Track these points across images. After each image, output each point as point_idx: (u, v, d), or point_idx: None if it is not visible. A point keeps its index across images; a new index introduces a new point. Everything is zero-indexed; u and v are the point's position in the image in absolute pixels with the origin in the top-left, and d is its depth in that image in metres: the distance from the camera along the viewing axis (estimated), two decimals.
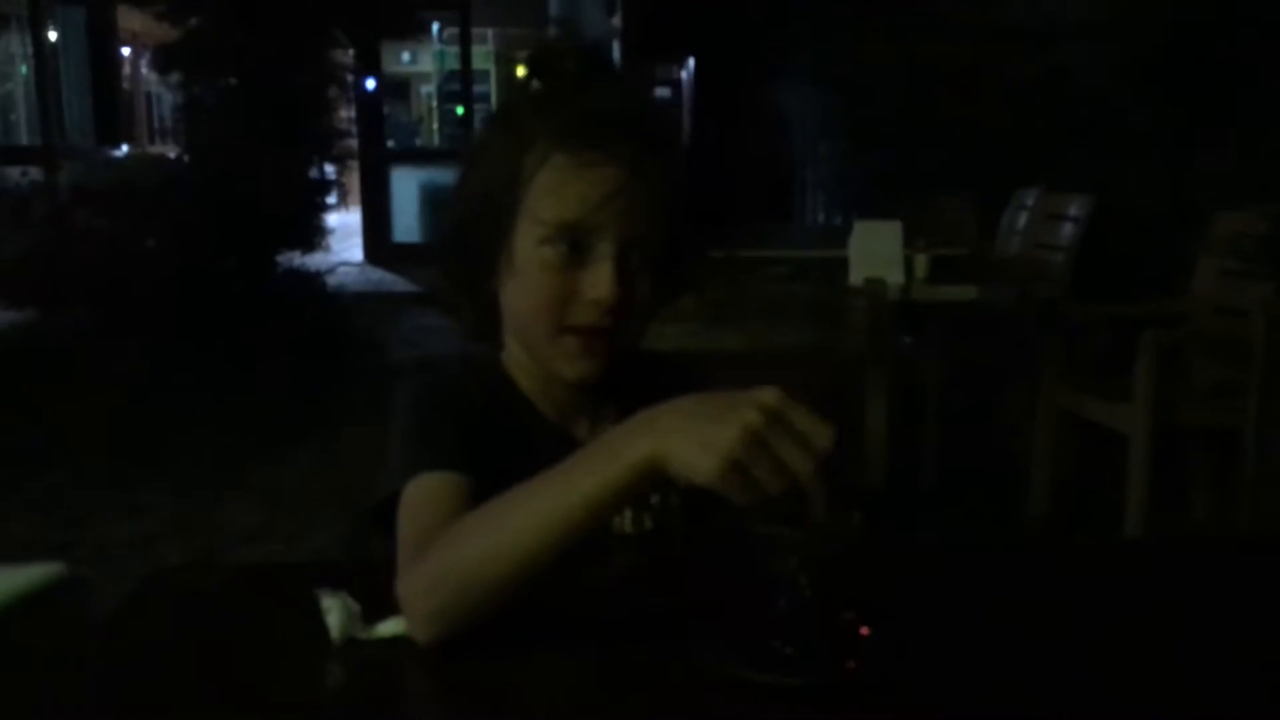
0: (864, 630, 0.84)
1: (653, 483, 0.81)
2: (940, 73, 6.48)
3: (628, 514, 1.11)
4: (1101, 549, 1.26)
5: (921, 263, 3.10)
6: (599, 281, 0.99)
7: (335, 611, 0.88)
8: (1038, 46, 5.63)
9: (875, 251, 3.08)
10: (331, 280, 7.67)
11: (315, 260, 7.50)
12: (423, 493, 0.98)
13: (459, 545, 0.87)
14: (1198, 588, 1.04)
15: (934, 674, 0.86)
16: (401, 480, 0.99)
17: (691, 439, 0.78)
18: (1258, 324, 1.29)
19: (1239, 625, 0.96)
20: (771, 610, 0.83)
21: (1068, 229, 4.08)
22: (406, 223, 10.30)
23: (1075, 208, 4.09)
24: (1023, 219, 4.54)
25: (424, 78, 15.72)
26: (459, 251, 1.07)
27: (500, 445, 1.02)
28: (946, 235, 5.15)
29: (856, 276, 3.11)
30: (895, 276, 3.08)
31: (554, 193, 0.99)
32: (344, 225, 11.03)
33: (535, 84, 1.05)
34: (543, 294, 1.01)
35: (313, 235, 7.19)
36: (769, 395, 0.78)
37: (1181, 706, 0.83)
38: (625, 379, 1.07)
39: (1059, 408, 3.43)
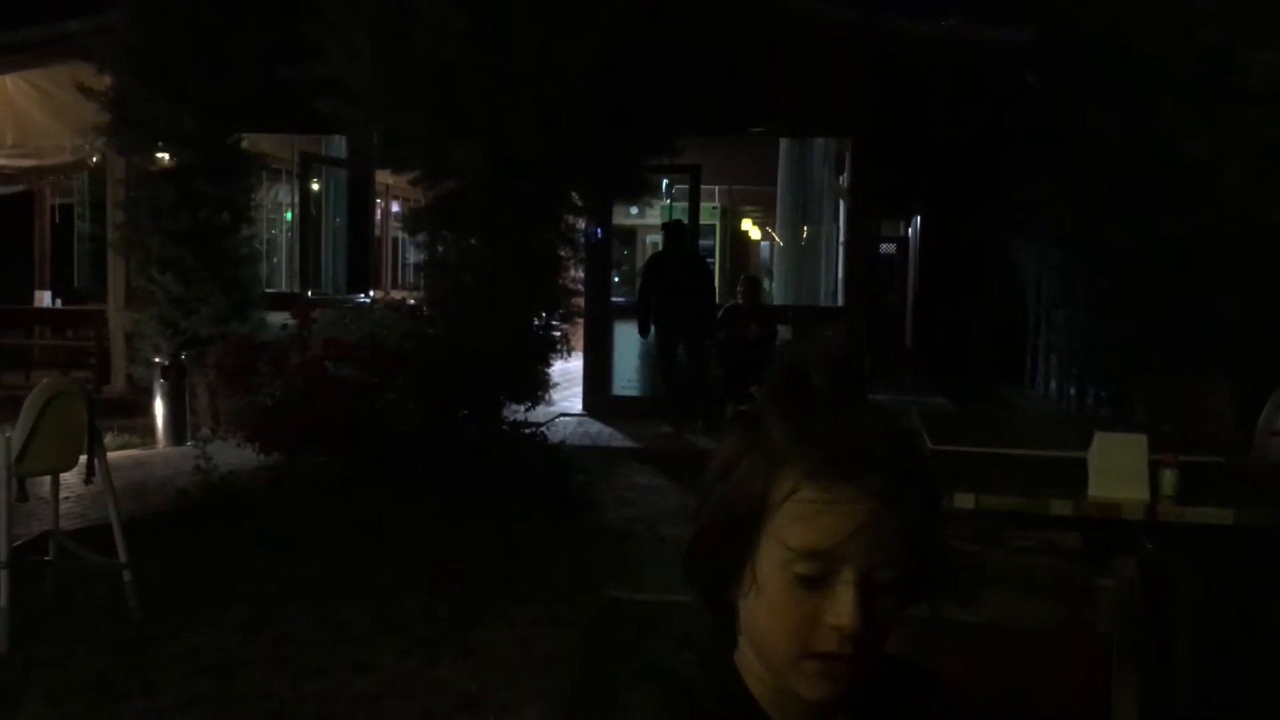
0: None
1: None
2: (1201, 245, 6.23)
3: None
4: None
5: (1169, 479, 2.92)
6: (841, 610, 0.98)
7: None
8: None
9: (1117, 465, 2.93)
10: (551, 432, 7.90)
11: (537, 410, 7.76)
12: None
13: None
14: None
15: None
16: None
17: None
18: None
19: None
20: None
21: None
22: (626, 375, 10.53)
23: None
24: None
25: (651, 228, 16.26)
26: (704, 558, 1.07)
27: None
28: (1198, 423, 4.85)
29: (1096, 490, 2.96)
30: (1139, 494, 2.91)
31: (801, 522, 0.99)
32: (565, 373, 11.38)
33: (787, 405, 1.05)
34: (784, 616, 1.01)
35: (537, 390, 7.45)
36: None
37: None
38: (858, 686, 1.05)
39: None
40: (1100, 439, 2.99)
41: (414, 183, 7.64)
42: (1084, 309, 8.32)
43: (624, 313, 11.07)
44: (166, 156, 8.59)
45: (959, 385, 10.92)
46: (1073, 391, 9.51)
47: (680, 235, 9.64)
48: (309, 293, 9.91)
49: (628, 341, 10.52)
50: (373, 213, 12.34)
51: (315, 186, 10.98)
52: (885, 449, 1.02)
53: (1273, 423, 4.27)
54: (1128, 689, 1.33)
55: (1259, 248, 5.69)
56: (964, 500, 2.86)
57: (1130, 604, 1.36)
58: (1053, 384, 10.52)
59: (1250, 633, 3.77)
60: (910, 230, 15.49)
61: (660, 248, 10.11)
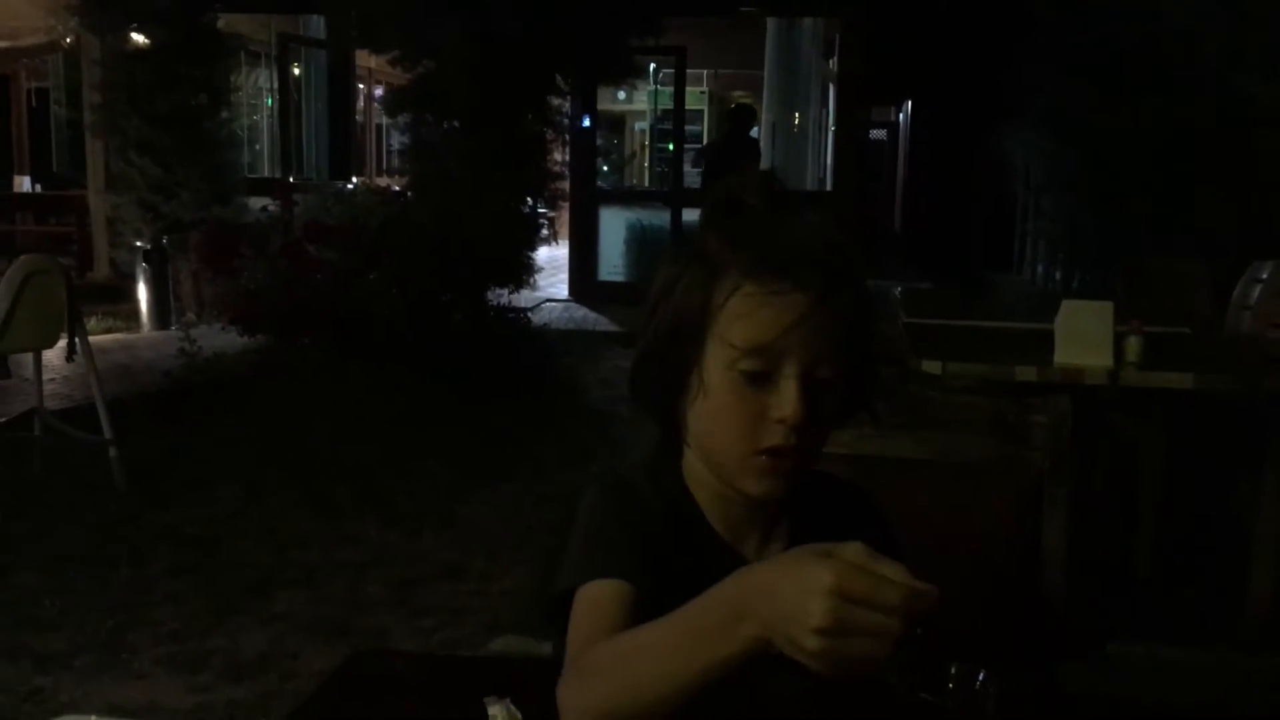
0: None
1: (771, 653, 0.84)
2: (1184, 133, 6.20)
3: None
4: None
5: (1134, 345, 2.95)
6: (785, 402, 1.03)
7: None
8: None
9: (1083, 332, 2.96)
10: (536, 317, 7.91)
11: (522, 296, 7.76)
12: (590, 599, 1.03)
13: (604, 676, 0.92)
14: None
15: None
16: (573, 580, 1.05)
17: (789, 628, 0.80)
18: None
19: None
20: None
21: None
22: (612, 261, 10.51)
23: None
24: (1256, 293, 4.26)
25: (639, 114, 16.08)
26: (650, 374, 1.12)
27: (670, 557, 1.08)
28: (1177, 303, 4.88)
29: (1062, 356, 2.99)
30: (1104, 360, 2.95)
31: (744, 318, 1.04)
32: (552, 259, 11.36)
33: (727, 219, 1.09)
34: (732, 415, 1.05)
35: (522, 274, 7.44)
36: (839, 578, 0.79)
37: None
38: (797, 498, 1.12)
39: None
40: (1067, 306, 3.02)
41: (393, 63, 7.51)
42: (1072, 193, 8.29)
43: (610, 199, 11.01)
44: (141, 37, 8.42)
45: (947, 270, 10.93)
46: (1058, 276, 9.53)
47: (748, 122, 9.39)
48: (290, 178, 9.82)
49: (614, 227, 10.48)
50: (354, 97, 12.15)
51: (295, 70, 10.80)
52: (822, 249, 1.06)
53: (1245, 298, 4.31)
54: (1057, 517, 1.39)
55: (1239, 129, 5.65)
56: (931, 367, 2.89)
57: (1061, 438, 1.41)
58: (1039, 269, 10.54)
59: (1211, 502, 3.88)
60: (900, 116, 15.32)
61: (722, 134, 9.78)
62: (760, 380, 1.03)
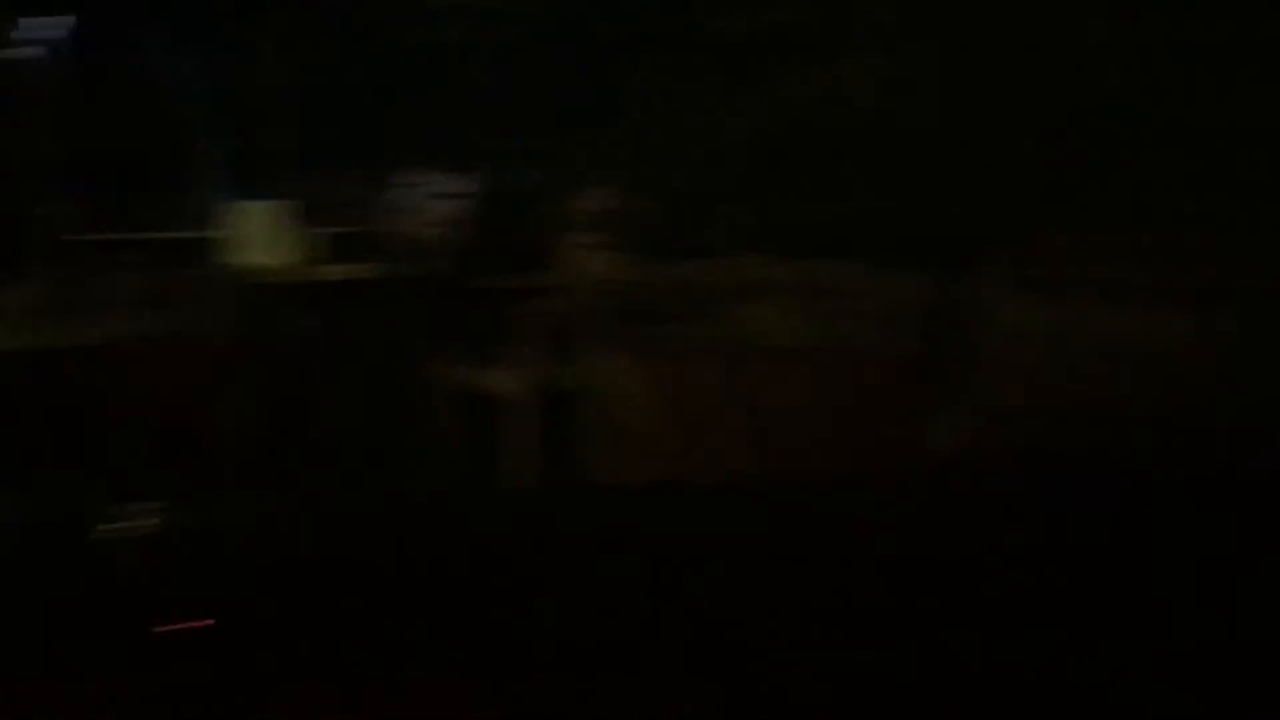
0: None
1: None
2: (351, 49, 6.54)
3: None
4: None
5: (302, 242, 3.23)
6: None
7: None
8: (433, 26, 5.84)
9: (256, 233, 3.16)
10: None
11: None
12: None
13: None
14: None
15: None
16: None
17: None
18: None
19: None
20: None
21: (445, 206, 4.35)
22: None
23: (453, 185, 4.36)
24: (408, 196, 4.76)
25: None
26: None
27: None
28: (345, 213, 5.27)
29: (237, 258, 3.18)
30: (277, 257, 3.19)
31: None
32: None
33: None
34: None
35: None
36: None
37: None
38: None
39: (443, 376, 3.72)
40: (241, 208, 3.19)
41: None
42: (241, 114, 8.37)
43: None
44: None
45: (104, 198, 10.45)
46: (229, 197, 9.59)
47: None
48: None
49: None
50: None
51: None
52: None
53: (399, 200, 4.77)
54: (234, 391, 1.54)
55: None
56: None
57: (239, 309, 1.57)
58: (212, 193, 10.53)
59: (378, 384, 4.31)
60: (64, 32, 14.16)
61: None
62: None
